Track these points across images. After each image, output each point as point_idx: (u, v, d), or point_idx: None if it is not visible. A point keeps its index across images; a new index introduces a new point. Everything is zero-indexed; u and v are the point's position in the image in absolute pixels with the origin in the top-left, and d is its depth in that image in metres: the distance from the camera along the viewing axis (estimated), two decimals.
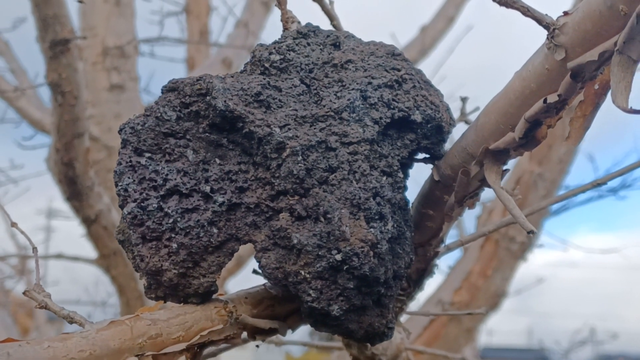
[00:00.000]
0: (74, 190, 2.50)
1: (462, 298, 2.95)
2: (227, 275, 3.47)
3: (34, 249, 0.93)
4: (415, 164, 1.00)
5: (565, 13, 0.75)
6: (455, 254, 3.22)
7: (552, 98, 0.78)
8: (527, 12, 0.76)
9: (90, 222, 2.65)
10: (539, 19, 0.76)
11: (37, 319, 5.11)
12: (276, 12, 1.04)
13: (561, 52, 0.75)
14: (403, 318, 3.11)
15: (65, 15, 2.15)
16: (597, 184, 1.08)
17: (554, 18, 0.76)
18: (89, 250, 3.00)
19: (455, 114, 1.08)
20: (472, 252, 3.06)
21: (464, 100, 1.43)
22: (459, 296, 2.97)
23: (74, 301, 6.28)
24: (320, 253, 0.85)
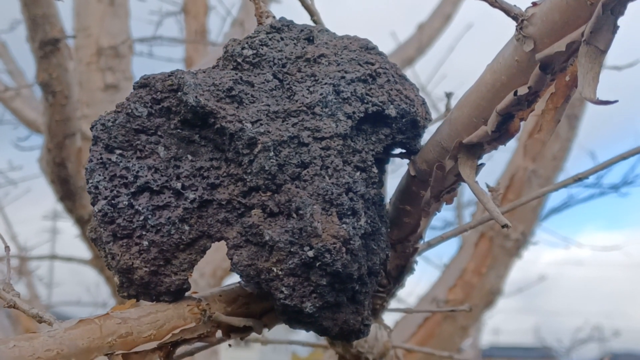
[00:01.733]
0: (67, 190, 2.50)
1: (457, 296, 2.94)
2: (223, 275, 3.46)
3: (6, 247, 0.92)
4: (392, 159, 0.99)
5: (534, 4, 0.74)
6: (450, 252, 3.22)
7: (523, 90, 0.77)
8: (495, 2, 0.75)
9: (83, 222, 2.65)
10: (507, 10, 0.75)
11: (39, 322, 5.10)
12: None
13: (530, 44, 0.74)
14: (398, 317, 3.09)
15: (54, 14, 2.15)
16: (578, 179, 1.07)
17: (523, 9, 0.75)
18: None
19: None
20: (466, 249, 3.05)
21: (448, 96, 1.42)
22: (454, 294, 2.95)
23: (75, 302, 6.29)
24: (292, 250, 0.84)
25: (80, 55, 3.27)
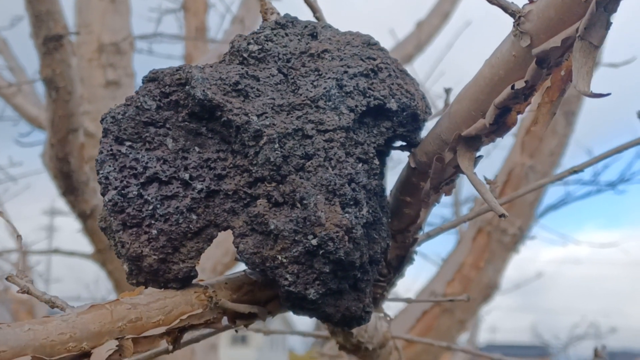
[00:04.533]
0: (69, 185, 2.53)
1: (455, 290, 2.98)
2: (223, 270, 3.49)
3: (18, 236, 0.95)
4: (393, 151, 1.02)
5: (531, 1, 0.77)
6: (448, 248, 3.25)
7: (520, 84, 0.80)
8: (494, 0, 0.78)
9: (85, 217, 2.67)
10: (505, 7, 0.78)
11: (38, 316, 5.14)
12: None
13: (526, 39, 0.77)
14: (396, 310, 3.11)
15: (58, 11, 2.18)
16: (573, 171, 1.10)
17: (520, 6, 0.78)
18: (89, 247, 3.03)
19: None
20: (464, 244, 3.08)
21: (447, 91, 1.45)
22: (452, 288, 2.99)
23: (74, 297, 6.31)
24: (296, 238, 0.87)
25: (82, 52, 3.29)
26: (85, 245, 3.06)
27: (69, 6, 3.49)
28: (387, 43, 4.50)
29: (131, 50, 3.45)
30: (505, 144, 3.29)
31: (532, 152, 3.00)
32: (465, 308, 3.00)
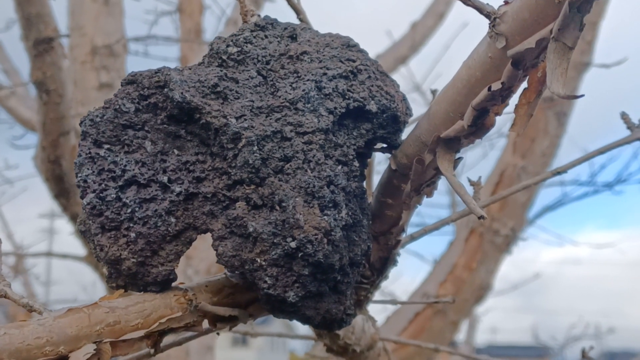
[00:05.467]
0: (61, 188, 2.53)
1: (448, 291, 2.97)
2: (217, 272, 3.48)
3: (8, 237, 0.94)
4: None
5: (506, 2, 0.77)
6: (441, 248, 3.25)
7: (496, 86, 0.80)
8: (469, 1, 0.78)
9: None
10: (480, 8, 0.77)
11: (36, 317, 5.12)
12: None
13: (502, 41, 0.77)
14: (389, 312, 3.10)
15: (48, 13, 2.18)
16: (557, 172, 1.10)
17: (496, 7, 0.78)
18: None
19: None
20: (456, 245, 3.08)
21: (434, 92, 1.45)
22: (444, 289, 2.99)
23: (71, 300, 6.31)
24: (275, 241, 0.87)
25: (75, 54, 3.29)
26: (80, 247, 3.07)
27: (61, 8, 3.48)
28: (381, 44, 4.50)
29: (124, 52, 3.44)
30: (497, 144, 3.29)
31: (524, 153, 3.00)
32: (458, 309, 3.00)
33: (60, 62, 2.26)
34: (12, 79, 4.14)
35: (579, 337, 7.70)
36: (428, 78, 5.28)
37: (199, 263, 3.34)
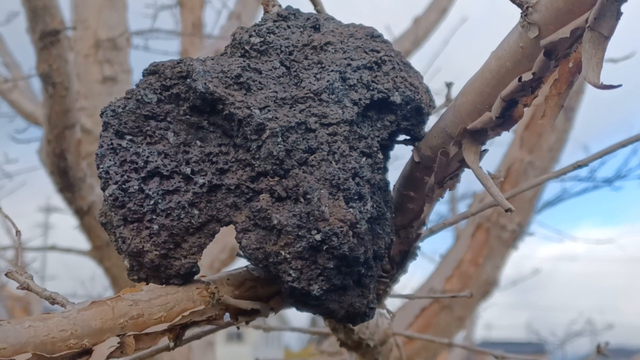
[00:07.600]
0: (66, 181, 2.51)
1: (454, 286, 2.97)
2: (220, 267, 3.48)
3: (17, 232, 0.93)
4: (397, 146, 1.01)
5: None
6: (448, 242, 3.24)
7: (527, 76, 0.79)
8: None
9: (82, 214, 2.66)
10: None
11: (34, 313, 5.11)
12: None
13: (535, 30, 0.76)
14: (395, 307, 3.10)
15: (55, 6, 2.16)
16: (578, 166, 1.09)
17: None
18: (86, 244, 3.01)
19: None
20: (463, 240, 3.08)
21: (449, 85, 1.44)
22: (451, 284, 2.98)
23: (70, 295, 6.30)
24: (300, 233, 0.86)
25: (78, 48, 3.27)
26: (81, 242, 3.05)
27: (65, 2, 3.46)
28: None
29: (128, 46, 3.43)
30: (504, 139, 3.29)
31: (531, 148, 3.00)
32: (465, 305, 3.00)
33: (66, 55, 2.24)
34: (13, 72, 4.12)
35: (577, 334, 7.72)
36: (427, 73, 5.27)
37: (202, 258, 3.33)
